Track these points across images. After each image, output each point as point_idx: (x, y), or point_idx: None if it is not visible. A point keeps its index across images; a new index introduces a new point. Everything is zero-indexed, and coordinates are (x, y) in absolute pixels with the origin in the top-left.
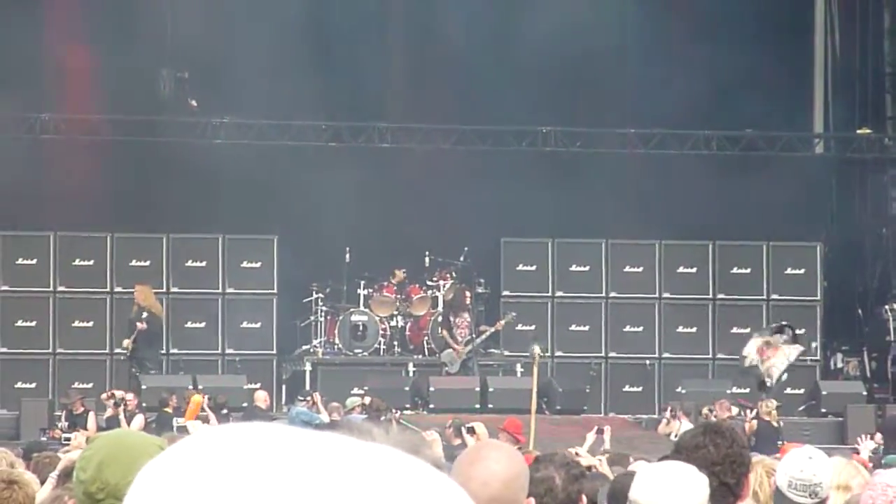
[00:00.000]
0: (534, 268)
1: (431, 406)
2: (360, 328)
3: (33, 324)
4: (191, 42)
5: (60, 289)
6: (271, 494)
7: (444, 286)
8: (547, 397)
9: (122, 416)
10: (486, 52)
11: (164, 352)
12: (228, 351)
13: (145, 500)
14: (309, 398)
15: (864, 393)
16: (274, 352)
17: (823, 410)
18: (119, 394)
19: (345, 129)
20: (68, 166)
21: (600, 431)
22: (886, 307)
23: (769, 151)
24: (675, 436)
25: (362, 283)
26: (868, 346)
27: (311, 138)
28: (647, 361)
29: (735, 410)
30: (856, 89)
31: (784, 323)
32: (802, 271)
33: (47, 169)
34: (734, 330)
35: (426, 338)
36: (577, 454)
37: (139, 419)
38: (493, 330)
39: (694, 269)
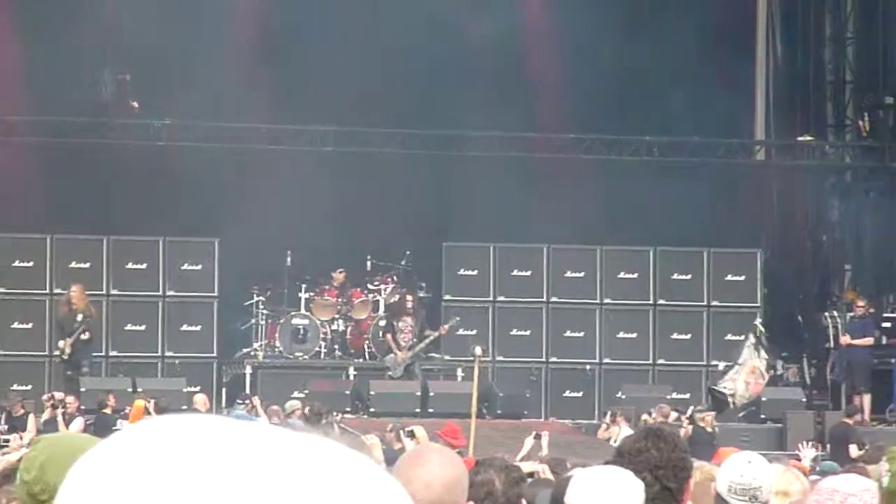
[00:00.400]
0: (475, 272)
1: (372, 410)
2: (301, 332)
3: None
4: (133, 43)
5: None
6: (201, 486)
7: (385, 290)
8: (487, 402)
9: (59, 419)
10: (430, 55)
11: (100, 353)
12: (168, 354)
13: (77, 494)
14: (248, 402)
15: (804, 399)
16: (214, 355)
17: (763, 417)
18: (59, 396)
19: (286, 133)
20: (7, 167)
21: (538, 437)
22: (826, 314)
23: (710, 158)
24: (615, 441)
25: (303, 286)
26: (808, 352)
27: (253, 141)
28: (588, 367)
29: (674, 416)
30: (797, 97)
31: (758, 336)
32: (743, 278)
33: None
34: (674, 336)
35: (367, 341)
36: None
37: (78, 422)
38: (436, 335)
39: (635, 275)
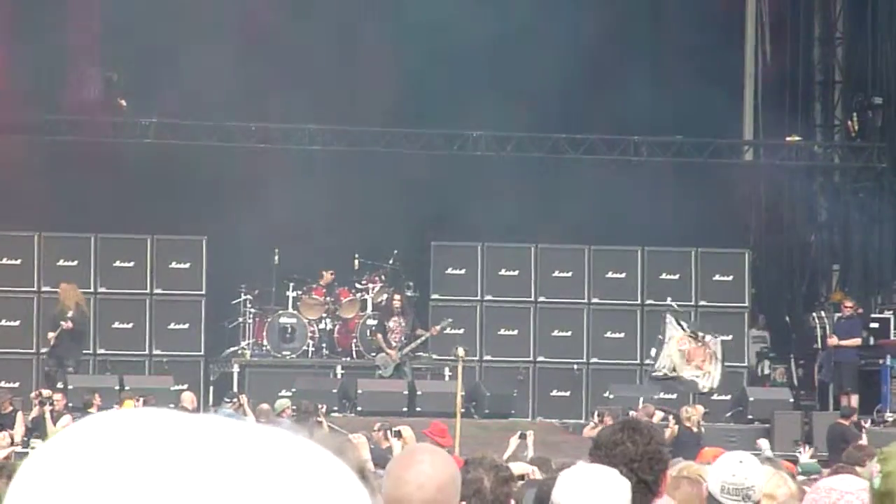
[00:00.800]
0: (463, 272)
1: (359, 409)
2: (289, 330)
3: None
4: (120, 41)
5: None
6: (150, 477)
7: (373, 289)
8: (475, 401)
9: (47, 416)
10: (415, 54)
11: (87, 351)
12: (156, 352)
13: (27, 484)
14: (235, 400)
15: (791, 400)
16: (202, 353)
17: (750, 417)
18: (46, 393)
19: (274, 131)
20: None
21: (523, 436)
22: (814, 315)
23: (699, 158)
24: None
25: (291, 285)
26: (795, 353)
27: (241, 139)
28: (575, 366)
29: (659, 415)
30: (786, 97)
31: (674, 313)
32: (731, 278)
33: None
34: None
35: (355, 340)
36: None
37: (66, 419)
38: (427, 335)
39: (623, 275)
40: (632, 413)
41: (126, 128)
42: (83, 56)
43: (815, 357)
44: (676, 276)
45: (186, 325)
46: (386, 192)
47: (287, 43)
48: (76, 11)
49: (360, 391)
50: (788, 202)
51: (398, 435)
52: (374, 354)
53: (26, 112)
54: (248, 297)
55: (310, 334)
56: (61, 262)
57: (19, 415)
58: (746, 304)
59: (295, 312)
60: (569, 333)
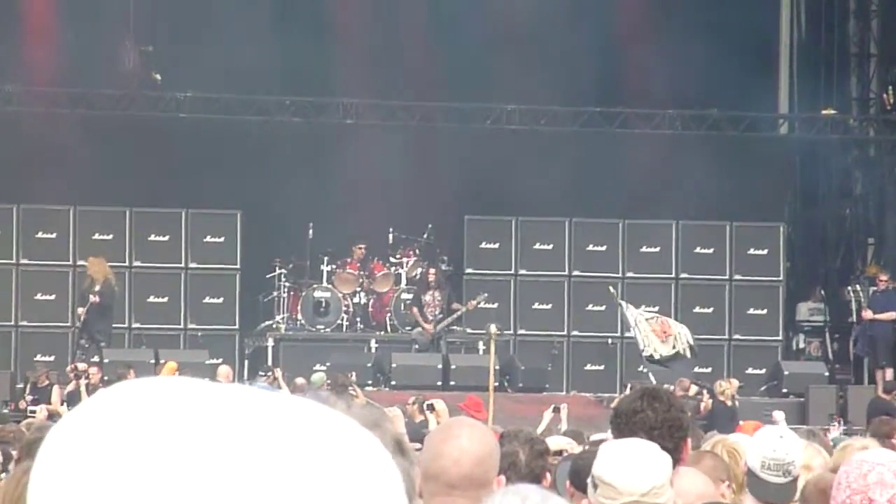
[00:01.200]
0: (497, 245)
1: (393, 382)
2: (323, 304)
3: None
4: (156, 15)
5: (23, 261)
6: (175, 445)
7: (407, 263)
8: (509, 375)
9: (83, 390)
10: (449, 28)
11: (122, 325)
12: (191, 326)
13: (56, 452)
14: (270, 374)
15: (826, 374)
16: (236, 327)
17: (785, 391)
18: (81, 367)
19: (309, 105)
20: (31, 139)
21: (557, 410)
22: (849, 288)
23: (733, 132)
24: None
25: (325, 259)
26: (830, 327)
27: (276, 113)
28: (609, 340)
29: (694, 390)
30: (821, 70)
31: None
32: (765, 252)
33: (9, 142)
34: (697, 309)
35: (389, 314)
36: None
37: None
38: (464, 309)
39: (657, 249)
40: (667, 387)
41: (161, 102)
42: (118, 30)
43: (850, 331)
44: (711, 250)
45: (221, 300)
46: (420, 166)
47: (322, 17)
48: None
49: (394, 365)
50: (824, 176)
51: (431, 408)
52: (409, 328)
53: (62, 86)
54: (283, 271)
55: (344, 308)
56: (96, 236)
57: (56, 388)
58: (781, 278)
59: (329, 286)
60: (603, 307)
